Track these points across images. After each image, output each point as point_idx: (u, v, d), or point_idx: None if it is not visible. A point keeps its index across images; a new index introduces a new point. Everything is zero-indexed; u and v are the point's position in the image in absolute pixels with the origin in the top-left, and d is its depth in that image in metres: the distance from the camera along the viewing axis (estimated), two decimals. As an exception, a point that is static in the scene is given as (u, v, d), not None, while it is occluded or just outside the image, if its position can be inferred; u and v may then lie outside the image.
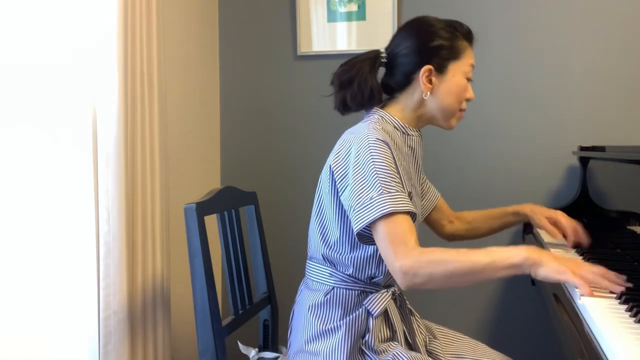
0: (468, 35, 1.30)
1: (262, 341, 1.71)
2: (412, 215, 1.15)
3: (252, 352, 1.61)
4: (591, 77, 1.95)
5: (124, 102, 1.61)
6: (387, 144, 1.18)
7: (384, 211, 1.10)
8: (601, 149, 1.75)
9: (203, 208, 1.43)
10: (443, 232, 1.57)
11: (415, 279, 1.07)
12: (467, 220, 1.56)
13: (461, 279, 1.08)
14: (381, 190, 1.12)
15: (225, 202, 1.58)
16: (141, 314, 1.70)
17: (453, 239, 1.58)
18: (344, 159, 1.21)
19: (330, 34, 2.21)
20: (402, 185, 1.16)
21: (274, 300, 1.73)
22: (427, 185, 1.53)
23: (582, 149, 1.84)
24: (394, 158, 1.18)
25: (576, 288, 1.00)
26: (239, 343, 1.61)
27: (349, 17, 2.18)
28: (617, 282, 1.02)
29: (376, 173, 1.13)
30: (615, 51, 1.92)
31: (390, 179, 1.14)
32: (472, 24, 2.05)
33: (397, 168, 1.17)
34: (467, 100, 1.31)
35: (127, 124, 1.63)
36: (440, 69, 1.26)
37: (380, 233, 1.12)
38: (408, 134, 1.30)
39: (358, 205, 1.14)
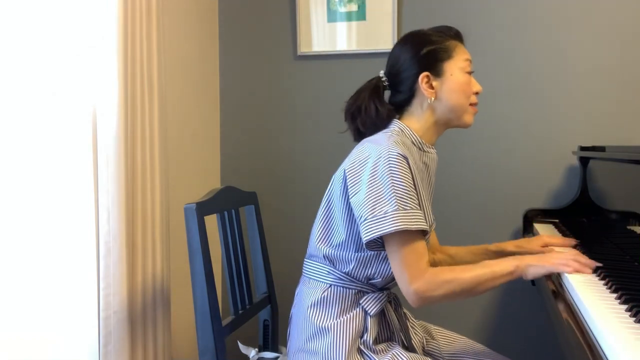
0: (456, 36, 1.33)
1: (262, 341, 1.71)
2: (425, 232, 1.17)
3: (252, 352, 1.61)
4: (591, 77, 1.95)
5: (124, 102, 1.61)
6: (407, 159, 1.18)
7: (396, 227, 1.12)
8: (601, 149, 1.75)
9: (203, 208, 1.43)
10: None
11: (430, 299, 1.15)
12: (449, 254, 1.56)
13: (468, 293, 1.16)
14: (396, 206, 1.13)
15: (225, 202, 1.58)
16: (141, 314, 1.70)
17: None
18: (360, 166, 1.22)
19: (330, 34, 2.21)
20: (419, 202, 1.17)
21: (274, 300, 1.73)
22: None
23: (582, 149, 1.84)
24: (412, 174, 1.18)
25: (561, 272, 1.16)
26: (239, 343, 1.61)
27: (349, 17, 2.18)
28: (588, 264, 1.15)
29: (393, 188, 1.14)
30: (615, 51, 1.92)
31: (407, 195, 1.14)
32: (471, 24, 2.06)
33: (414, 185, 1.18)
34: (476, 93, 1.32)
35: (127, 124, 1.63)
36: (437, 72, 1.28)
37: (395, 252, 1.15)
38: (424, 151, 1.31)
39: (371, 216, 1.15)
